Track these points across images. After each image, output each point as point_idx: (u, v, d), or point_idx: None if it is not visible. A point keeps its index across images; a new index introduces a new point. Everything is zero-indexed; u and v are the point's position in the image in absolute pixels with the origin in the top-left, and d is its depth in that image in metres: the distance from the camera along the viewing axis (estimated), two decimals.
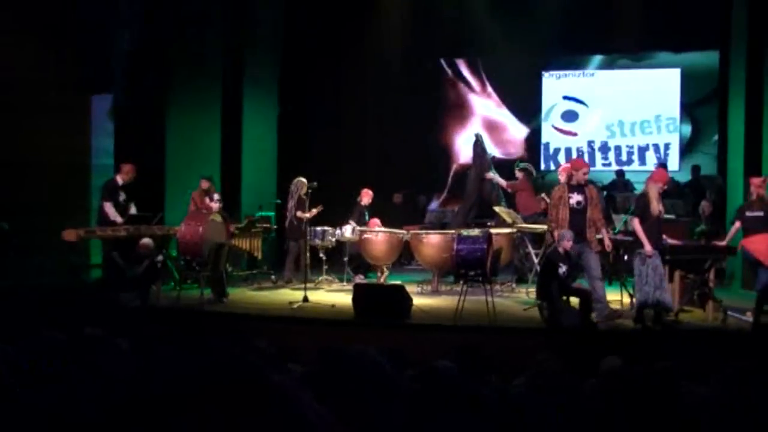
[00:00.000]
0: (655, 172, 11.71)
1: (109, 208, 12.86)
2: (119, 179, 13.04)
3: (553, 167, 19.10)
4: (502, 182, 14.82)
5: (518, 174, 14.79)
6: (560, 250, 10.63)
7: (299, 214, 13.51)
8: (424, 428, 2.83)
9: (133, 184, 13.22)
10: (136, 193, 13.34)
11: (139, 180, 13.40)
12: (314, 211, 13.35)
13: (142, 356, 3.71)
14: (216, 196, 12.91)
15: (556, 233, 10.56)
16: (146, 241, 12.08)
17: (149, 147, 14.91)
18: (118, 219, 12.82)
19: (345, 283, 13.57)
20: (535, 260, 13.04)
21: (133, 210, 13.14)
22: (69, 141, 14.03)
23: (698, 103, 18.91)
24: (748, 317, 10.47)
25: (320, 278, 13.75)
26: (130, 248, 12.32)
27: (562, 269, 10.57)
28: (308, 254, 12.90)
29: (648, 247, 10.12)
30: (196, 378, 1.51)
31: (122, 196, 13.06)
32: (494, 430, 3.04)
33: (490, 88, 19.89)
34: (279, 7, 16.62)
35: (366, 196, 14.21)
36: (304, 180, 13.53)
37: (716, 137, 18.34)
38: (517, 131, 19.87)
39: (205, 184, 13.68)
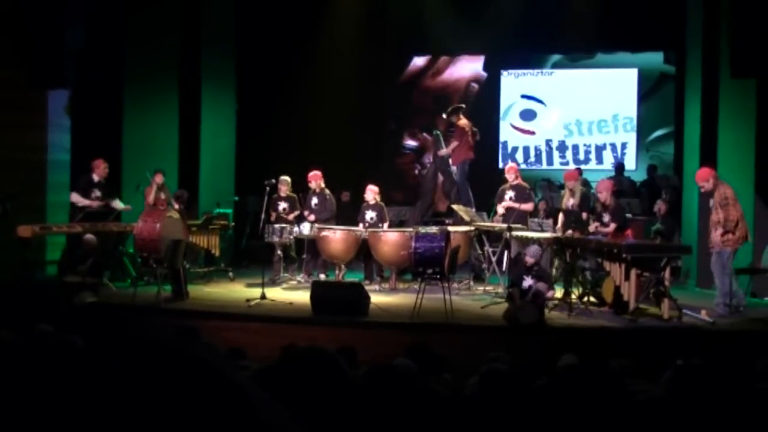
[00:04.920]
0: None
1: (76, 197, 13.06)
2: (95, 177, 13.08)
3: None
4: (448, 150, 14.95)
5: (453, 119, 14.93)
6: (528, 264, 10.85)
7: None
8: (379, 426, 2.82)
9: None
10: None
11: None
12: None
13: (94, 354, 3.66)
14: (176, 194, 12.92)
15: (732, 235, 10.72)
16: (89, 237, 12.00)
17: (106, 143, 14.76)
18: (87, 202, 12.88)
19: (303, 281, 13.58)
20: (493, 258, 13.09)
21: (119, 204, 13.20)
22: (25, 137, 13.87)
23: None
24: (704, 316, 10.61)
25: (280, 276, 13.77)
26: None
27: (527, 282, 10.75)
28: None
29: None
30: (146, 375, 1.48)
31: (96, 194, 13.07)
32: (446, 428, 3.04)
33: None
34: (234, 2, 16.53)
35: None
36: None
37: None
38: None
39: (159, 179, 13.58)
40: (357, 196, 15.19)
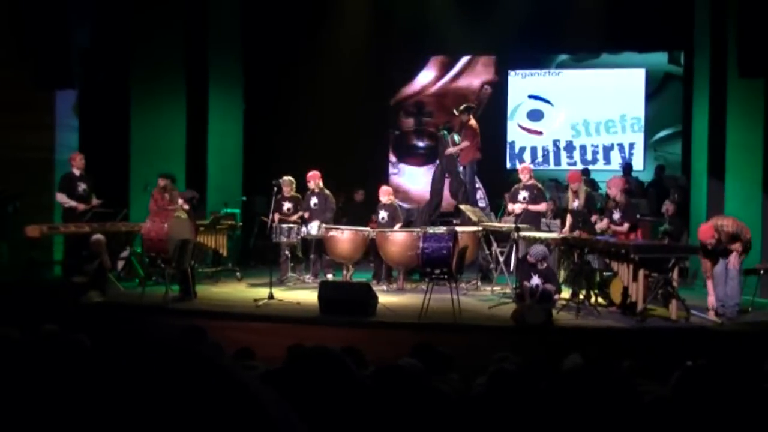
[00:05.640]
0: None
1: (62, 198, 12.95)
2: (75, 171, 13.04)
3: (518, 166, 19.12)
4: (456, 149, 14.95)
5: (464, 119, 14.94)
6: (529, 262, 10.90)
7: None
8: (386, 426, 2.81)
9: (99, 179, 13.17)
10: (101, 190, 13.27)
11: (103, 176, 13.32)
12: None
13: (102, 354, 3.67)
14: (186, 195, 12.90)
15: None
16: (97, 237, 12.02)
17: (114, 143, 14.79)
18: (73, 203, 12.84)
19: (310, 281, 13.58)
20: (500, 258, 13.08)
21: (95, 201, 13.12)
22: (33, 137, 13.90)
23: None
24: (712, 316, 10.59)
25: (287, 275, 13.78)
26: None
27: (534, 280, 10.78)
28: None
29: None
30: (153, 375, 1.48)
31: (81, 187, 13.03)
32: (454, 428, 3.04)
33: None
34: (240, 2, 16.53)
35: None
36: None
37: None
38: None
39: (161, 182, 13.48)
40: (367, 196, 15.21)
